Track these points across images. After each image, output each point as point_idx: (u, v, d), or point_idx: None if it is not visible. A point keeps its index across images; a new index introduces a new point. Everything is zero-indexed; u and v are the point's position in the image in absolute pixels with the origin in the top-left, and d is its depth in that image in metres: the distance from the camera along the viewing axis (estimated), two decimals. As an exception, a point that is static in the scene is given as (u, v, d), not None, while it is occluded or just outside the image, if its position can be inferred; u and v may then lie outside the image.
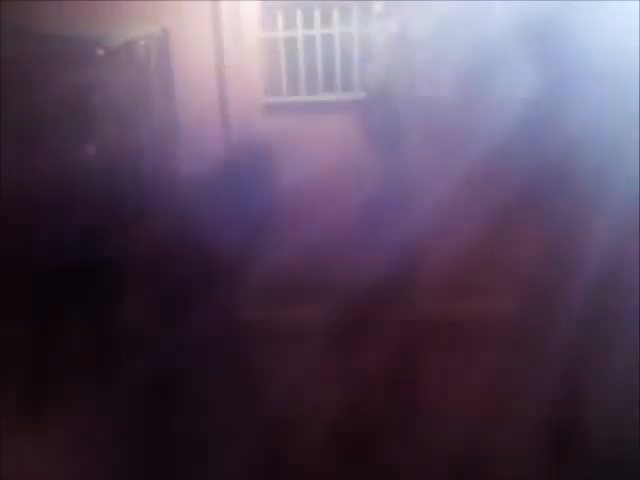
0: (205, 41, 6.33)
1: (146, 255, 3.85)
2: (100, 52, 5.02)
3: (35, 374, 3.84)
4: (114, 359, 3.97)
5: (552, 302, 3.45)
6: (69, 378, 3.87)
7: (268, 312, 4.66)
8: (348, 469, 3.72)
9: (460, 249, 3.53)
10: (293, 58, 6.55)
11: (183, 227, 3.86)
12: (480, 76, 4.25)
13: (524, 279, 3.42)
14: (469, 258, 3.56)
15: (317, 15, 6.49)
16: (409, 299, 3.75)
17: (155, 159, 5.34)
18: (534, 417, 3.54)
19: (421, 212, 3.62)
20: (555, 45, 4.77)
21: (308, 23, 6.51)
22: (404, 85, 4.61)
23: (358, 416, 3.87)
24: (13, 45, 4.45)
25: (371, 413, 3.89)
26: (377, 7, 5.93)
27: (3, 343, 3.74)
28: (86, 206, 3.82)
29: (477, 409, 3.65)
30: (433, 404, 3.81)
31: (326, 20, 6.49)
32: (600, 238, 3.37)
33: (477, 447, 3.61)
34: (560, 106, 3.62)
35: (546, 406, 3.53)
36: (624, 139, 3.41)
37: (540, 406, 3.54)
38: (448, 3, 5.47)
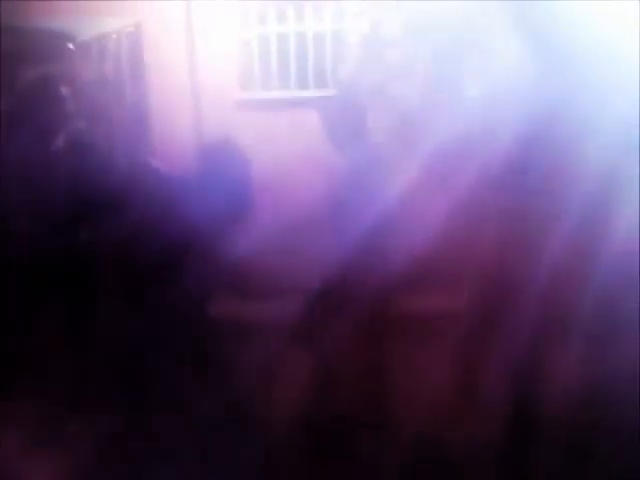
0: (178, 36, 6.33)
1: (115, 248, 3.86)
2: (71, 46, 5.00)
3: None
4: (81, 351, 3.98)
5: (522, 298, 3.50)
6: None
7: (236, 307, 4.70)
8: (314, 461, 3.76)
9: (427, 245, 3.57)
10: (266, 54, 6.57)
11: (153, 220, 3.86)
12: (452, 75, 4.29)
13: (487, 275, 3.47)
14: (436, 254, 3.60)
15: (290, 12, 6.51)
16: (377, 294, 3.78)
17: (127, 153, 5.34)
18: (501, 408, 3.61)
19: (386, 209, 3.67)
20: (528, 38, 4.82)
21: (281, 20, 6.53)
22: (375, 84, 4.64)
23: (326, 408, 3.91)
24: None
25: (339, 406, 3.93)
26: (350, 5, 5.96)
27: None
28: (54, 199, 3.81)
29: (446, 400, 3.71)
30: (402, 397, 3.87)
31: (299, 17, 6.52)
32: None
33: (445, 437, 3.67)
34: (529, 103, 3.65)
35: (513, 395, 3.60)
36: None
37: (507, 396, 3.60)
38: (422, 2, 5.52)
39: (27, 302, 3.94)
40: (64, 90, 4.14)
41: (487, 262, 3.46)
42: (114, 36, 5.58)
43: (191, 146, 6.22)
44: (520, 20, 4.12)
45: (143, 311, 3.80)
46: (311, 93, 6.50)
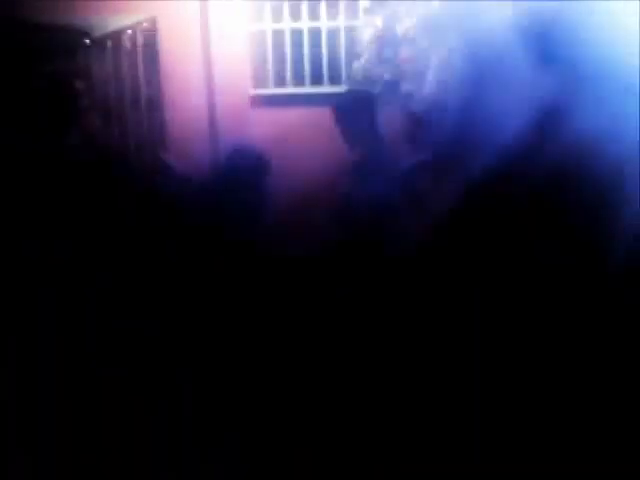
0: (193, 32, 6.37)
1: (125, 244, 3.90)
2: (87, 41, 5.04)
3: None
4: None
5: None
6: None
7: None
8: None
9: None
10: (280, 51, 6.59)
11: (169, 217, 3.90)
12: (464, 75, 4.31)
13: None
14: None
15: (304, 8, 6.53)
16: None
17: (141, 148, 5.39)
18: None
19: (394, 203, 3.71)
20: (545, 42, 4.82)
21: (295, 16, 6.55)
22: (387, 80, 4.68)
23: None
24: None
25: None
26: (364, 3, 5.97)
27: None
28: (66, 194, 3.85)
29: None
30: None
31: (314, 14, 6.54)
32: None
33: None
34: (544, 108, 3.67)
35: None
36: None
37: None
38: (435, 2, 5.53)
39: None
40: (79, 85, 4.18)
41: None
42: (129, 32, 5.62)
43: (206, 142, 6.27)
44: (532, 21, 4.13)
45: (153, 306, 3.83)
46: (325, 89, 6.52)
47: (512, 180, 3.44)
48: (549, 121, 3.42)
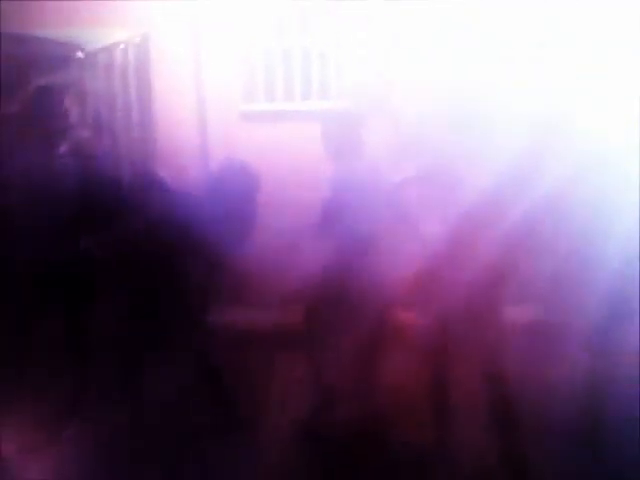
0: (185, 47, 6.41)
1: (116, 257, 3.92)
2: (80, 55, 5.07)
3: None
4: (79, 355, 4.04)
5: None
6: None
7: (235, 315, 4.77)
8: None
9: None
10: (271, 67, 6.63)
11: (156, 230, 3.92)
12: (454, 92, 4.36)
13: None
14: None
15: (295, 26, 6.58)
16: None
17: (131, 162, 5.40)
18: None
19: (384, 218, 3.75)
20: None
21: (286, 34, 6.59)
22: (375, 99, 4.72)
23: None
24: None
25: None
26: (353, 22, 6.02)
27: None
28: (55, 206, 3.87)
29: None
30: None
31: (304, 31, 6.59)
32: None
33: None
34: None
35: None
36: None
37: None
38: (428, 21, 5.58)
39: (26, 306, 4.00)
40: (70, 99, 4.20)
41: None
42: (122, 46, 5.65)
43: (196, 156, 6.30)
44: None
45: (142, 319, 3.85)
46: (314, 105, 6.56)
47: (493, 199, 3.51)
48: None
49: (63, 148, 4.04)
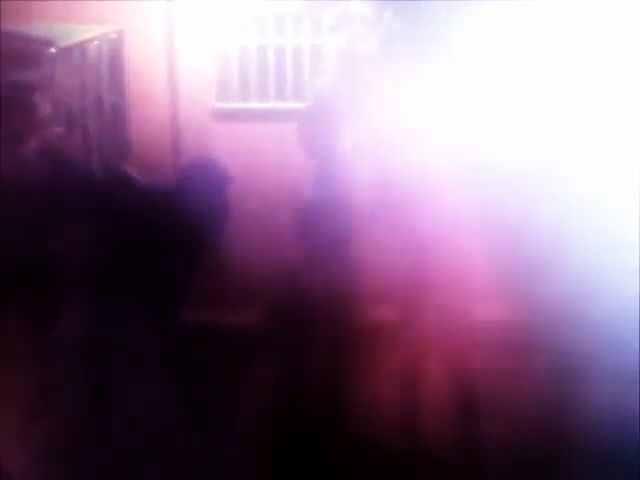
0: (158, 44, 6.38)
1: (84, 255, 3.90)
2: (52, 50, 5.03)
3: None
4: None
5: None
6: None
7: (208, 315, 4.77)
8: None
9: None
10: (245, 65, 6.62)
11: (126, 228, 3.91)
12: (426, 92, 4.39)
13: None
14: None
15: (270, 25, 6.57)
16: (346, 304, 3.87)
17: (103, 159, 5.38)
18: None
19: (358, 220, 3.77)
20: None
21: (261, 32, 6.59)
22: (348, 99, 4.72)
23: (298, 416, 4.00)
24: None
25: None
26: (328, 20, 6.03)
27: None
28: (25, 204, 3.84)
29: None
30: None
31: (279, 30, 6.58)
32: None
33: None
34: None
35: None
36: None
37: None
38: (400, 21, 5.59)
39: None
40: (42, 94, 4.17)
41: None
42: (95, 43, 5.63)
43: (168, 154, 6.28)
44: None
45: (109, 318, 3.84)
46: (289, 105, 6.56)
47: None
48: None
49: (33, 145, 4.02)
